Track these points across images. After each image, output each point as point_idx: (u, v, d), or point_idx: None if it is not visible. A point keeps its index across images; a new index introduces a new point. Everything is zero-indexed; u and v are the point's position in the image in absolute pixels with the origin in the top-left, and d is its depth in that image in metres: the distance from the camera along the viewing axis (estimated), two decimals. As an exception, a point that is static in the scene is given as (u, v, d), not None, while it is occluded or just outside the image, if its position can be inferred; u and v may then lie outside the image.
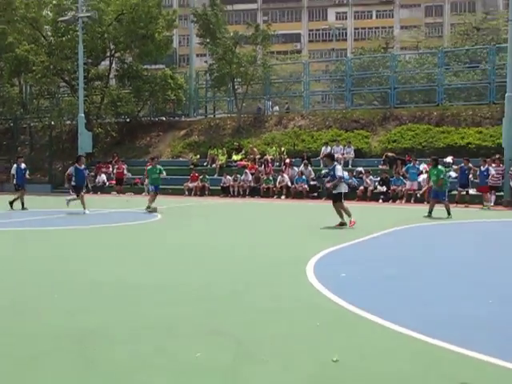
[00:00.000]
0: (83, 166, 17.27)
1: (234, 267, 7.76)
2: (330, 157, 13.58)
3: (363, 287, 6.46)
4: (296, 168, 24.69)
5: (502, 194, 20.07)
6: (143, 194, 26.36)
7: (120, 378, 3.77)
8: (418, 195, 21.18)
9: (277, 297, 5.92)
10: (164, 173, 17.57)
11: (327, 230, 12.21)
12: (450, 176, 19.11)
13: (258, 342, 4.42)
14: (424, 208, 16.41)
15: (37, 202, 19.94)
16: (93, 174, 28.10)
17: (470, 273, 7.45)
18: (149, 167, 18.19)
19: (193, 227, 13.56)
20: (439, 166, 15.96)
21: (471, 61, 32.14)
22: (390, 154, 24.18)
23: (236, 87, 31.79)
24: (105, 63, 34.16)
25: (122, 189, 27.39)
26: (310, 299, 5.83)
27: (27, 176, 18.73)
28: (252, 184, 25.14)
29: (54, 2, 30.76)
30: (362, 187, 22.46)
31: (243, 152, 28.05)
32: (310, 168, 24.39)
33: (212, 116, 34.66)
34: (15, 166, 18.56)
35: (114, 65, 33.79)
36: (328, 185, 12.69)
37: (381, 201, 21.86)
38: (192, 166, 27.43)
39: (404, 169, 22.69)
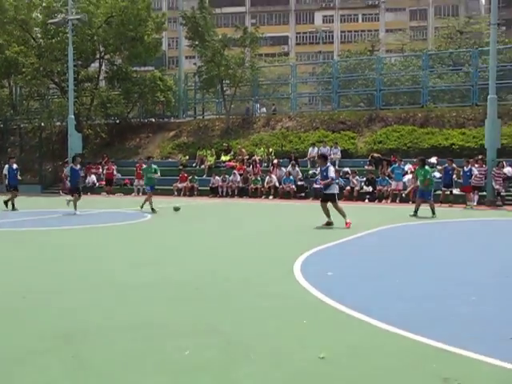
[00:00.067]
0: (78, 167, 17.46)
1: (221, 267, 7.80)
2: (324, 157, 13.67)
3: (349, 285, 6.56)
4: (284, 168, 25.04)
5: (484, 193, 20.49)
6: (133, 194, 26.63)
7: (111, 377, 3.78)
8: (404, 195, 21.60)
9: (265, 295, 6.00)
10: (158, 173, 17.62)
11: (314, 229, 12.34)
12: (434, 176, 19.54)
13: (246, 340, 4.47)
14: (409, 208, 16.71)
15: (27, 203, 20.03)
16: (83, 174, 28.24)
17: (454, 271, 7.58)
18: (144, 167, 18.16)
19: (182, 227, 13.69)
20: (426, 167, 16.30)
21: (455, 63, 32.77)
22: (375, 155, 24.56)
23: (224, 89, 32.11)
24: (94, 65, 34.26)
25: (111, 189, 27.63)
26: (297, 298, 5.90)
27: (19, 177, 18.85)
28: (240, 184, 25.46)
29: (44, 4, 30.81)
30: (348, 187, 22.86)
31: (232, 153, 28.37)
32: (297, 168, 24.78)
33: (201, 117, 34.96)
34: (7, 166, 18.65)
35: (103, 67, 33.99)
36: (322, 183, 12.83)
37: (367, 201, 22.27)
38: (181, 167, 27.70)
39: (389, 169, 23.09)
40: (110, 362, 4.07)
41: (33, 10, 31.05)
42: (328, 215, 12.74)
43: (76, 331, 4.78)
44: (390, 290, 6.36)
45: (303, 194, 23.96)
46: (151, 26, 31.80)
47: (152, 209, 16.75)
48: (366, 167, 24.47)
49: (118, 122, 34.23)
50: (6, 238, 11.47)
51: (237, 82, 30.82)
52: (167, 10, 50.73)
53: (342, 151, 25.86)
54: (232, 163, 27.29)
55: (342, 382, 3.74)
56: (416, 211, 15.50)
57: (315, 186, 23.27)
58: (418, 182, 16.53)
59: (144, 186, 18.29)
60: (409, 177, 22.04)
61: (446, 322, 5.02)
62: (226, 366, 3.96)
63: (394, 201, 21.82)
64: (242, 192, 25.21)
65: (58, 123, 32.84)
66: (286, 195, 23.91)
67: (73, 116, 28.48)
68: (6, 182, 18.40)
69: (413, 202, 19.73)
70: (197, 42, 30.76)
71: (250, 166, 26.18)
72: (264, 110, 34.40)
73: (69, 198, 17.26)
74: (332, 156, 25.54)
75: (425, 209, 15.61)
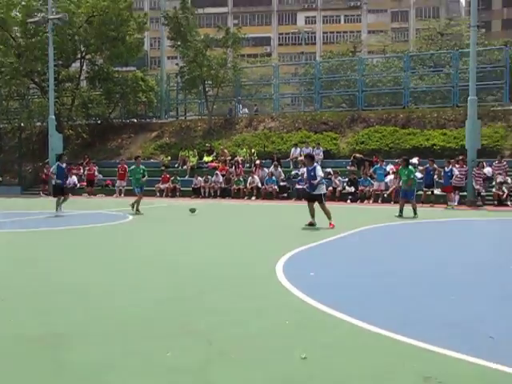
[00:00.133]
0: (64, 165, 17.22)
1: (204, 267, 7.78)
2: (311, 157, 13.67)
3: (332, 286, 6.58)
4: (266, 169, 25.04)
5: (465, 194, 20.69)
6: (114, 195, 26.44)
7: (90, 380, 3.75)
8: (385, 195, 21.77)
9: (247, 296, 6.00)
10: (146, 175, 17.15)
11: (296, 230, 12.35)
12: (416, 176, 19.66)
13: (228, 342, 4.47)
14: (391, 208, 16.85)
15: (6, 204, 19.84)
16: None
17: (435, 270, 7.64)
18: (132, 167, 17.71)
19: (163, 228, 13.60)
20: (410, 166, 16.42)
21: (436, 65, 33.06)
22: (357, 156, 24.67)
23: (207, 89, 32.05)
24: (75, 65, 33.95)
25: (93, 190, 27.39)
26: (279, 298, 5.90)
27: (-1, 178, 18.66)
28: (223, 185, 25.41)
29: (23, 3, 30.51)
30: (330, 188, 22.87)
31: (214, 153, 28.30)
32: (279, 169, 24.80)
33: (183, 118, 34.81)
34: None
35: (84, 67, 33.69)
36: (316, 182, 12.77)
37: (349, 201, 22.34)
38: (163, 168, 27.56)
39: (371, 170, 23.21)
40: (89, 364, 4.02)
41: (12, 9, 30.59)
42: (313, 215, 12.78)
43: (54, 334, 4.72)
44: (372, 290, 6.38)
45: (286, 195, 23.99)
46: (133, 26, 31.65)
47: (137, 210, 16.57)
48: (348, 168, 24.55)
49: (99, 122, 33.98)
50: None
51: (219, 82, 30.79)
52: (149, 10, 50.55)
53: (324, 152, 25.92)
54: (214, 164, 27.23)
55: (324, 382, 3.73)
56: (401, 211, 15.59)
57: (298, 186, 23.33)
58: (401, 182, 16.62)
59: (134, 188, 17.49)
60: (391, 177, 22.19)
61: (427, 322, 5.05)
62: (207, 367, 3.94)
63: (376, 201, 21.95)
64: (225, 193, 25.15)
65: (39, 123, 32.48)
66: (269, 196, 23.92)
67: (53, 116, 28.19)
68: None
69: (395, 202, 19.93)
70: (179, 43, 30.68)
71: (232, 167, 26.15)
72: (246, 110, 34.39)
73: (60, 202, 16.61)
74: (314, 157, 25.57)
75: (407, 209, 15.69)
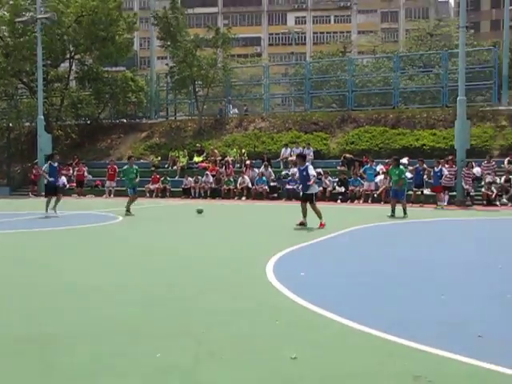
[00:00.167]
0: (56, 164, 17.06)
1: (194, 268, 7.79)
2: (302, 157, 13.68)
3: (322, 286, 6.58)
4: (256, 169, 25.02)
5: (454, 193, 20.77)
6: (104, 196, 26.34)
7: (79, 381, 3.73)
8: (375, 195, 21.82)
9: (237, 297, 6.00)
10: (138, 175, 16.99)
11: (287, 230, 12.35)
12: (406, 176, 19.73)
13: (218, 342, 4.46)
14: (381, 208, 16.90)
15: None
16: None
17: (424, 270, 7.67)
18: (125, 167, 17.44)
19: (153, 229, 13.57)
20: (401, 166, 16.46)
21: (425, 65, 33.21)
22: (348, 156, 24.71)
23: (197, 90, 31.97)
24: (64, 65, 33.81)
25: (82, 191, 27.25)
26: (269, 299, 5.91)
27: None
28: (213, 185, 25.36)
29: (11, 2, 30.29)
30: (320, 188, 22.83)
31: (204, 154, 28.25)
32: (270, 169, 24.79)
33: (173, 118, 34.72)
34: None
35: (73, 67, 33.51)
36: (311, 182, 12.74)
37: (339, 201, 22.36)
38: (153, 168, 27.46)
39: (362, 170, 23.27)
40: (78, 365, 4.00)
41: (-1, 8, 30.49)
42: (305, 215, 12.79)
43: (41, 335, 4.68)
44: (362, 290, 6.40)
45: (276, 195, 23.98)
46: (122, 26, 31.54)
47: (127, 210, 16.42)
48: (339, 168, 24.57)
49: (88, 122, 33.82)
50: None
51: (209, 82, 30.73)
52: (139, 10, 50.43)
53: (314, 152, 25.94)
54: (204, 164, 27.17)
55: (314, 381, 3.73)
56: (393, 211, 15.63)
57: (288, 186, 23.34)
58: (391, 182, 16.65)
59: (127, 188, 17.26)
60: (381, 177, 22.24)
61: (417, 321, 5.06)
62: (197, 368, 3.94)
63: (366, 201, 21.99)
64: (215, 193, 25.10)
65: (27, 124, 32.33)
66: (259, 196, 23.90)
67: (42, 116, 28.05)
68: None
69: (385, 202, 20.01)
70: (169, 43, 30.60)
71: (222, 167, 26.11)
72: (236, 110, 34.36)
73: (52, 206, 16.25)
74: (305, 157, 25.60)
75: (399, 209, 15.72)
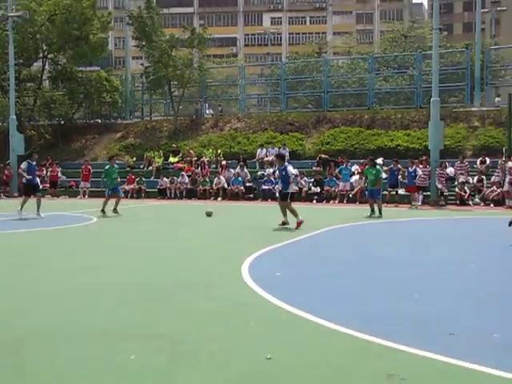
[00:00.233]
0: (34, 163, 16.77)
1: (169, 269, 7.76)
2: (281, 157, 13.66)
3: (298, 286, 6.60)
4: (232, 170, 24.98)
5: (428, 193, 20.98)
6: (78, 197, 26.06)
7: None
8: (351, 195, 21.93)
9: (212, 297, 5.97)
10: (118, 177, 16.84)
11: (262, 230, 12.35)
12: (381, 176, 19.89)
13: (193, 343, 4.43)
14: (356, 208, 16.99)
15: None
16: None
17: (398, 270, 7.75)
18: (107, 167, 17.06)
19: (128, 229, 13.46)
20: (377, 166, 16.57)
21: (399, 66, 33.53)
22: (323, 156, 24.77)
23: (172, 90, 31.80)
24: (37, 64, 33.33)
25: (56, 192, 26.89)
26: (244, 299, 5.90)
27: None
28: (189, 186, 25.26)
29: (-18, -1, 29.87)
30: (296, 188, 22.95)
31: (180, 154, 28.12)
32: (246, 170, 24.77)
33: (148, 118, 34.50)
34: None
35: (47, 66, 33.09)
36: (290, 180, 12.73)
37: (315, 201, 22.44)
38: (128, 169, 27.21)
39: (337, 170, 23.37)
40: (51, 369, 3.95)
41: (-30, 6, 29.93)
42: (285, 214, 12.79)
43: (14, 338, 4.62)
44: (337, 290, 6.43)
45: (252, 195, 23.97)
46: (97, 25, 31.23)
47: (102, 211, 16.11)
48: (314, 168, 24.63)
49: (62, 122, 33.35)
50: None
51: (185, 82, 30.60)
52: (113, 9, 49.96)
53: (290, 152, 25.95)
54: (180, 165, 27.06)
55: (290, 382, 3.73)
56: (372, 211, 15.73)
57: (264, 187, 23.37)
58: (367, 182, 16.72)
59: (107, 189, 16.98)
60: (356, 177, 22.37)
61: (391, 320, 5.10)
62: (171, 369, 3.94)
63: (341, 201, 22.09)
64: (191, 193, 25.01)
65: (-1, 124, 31.78)
66: (235, 196, 23.87)
67: (14, 116, 27.62)
68: None
69: (360, 203, 20.15)
70: (144, 43, 30.36)
71: (198, 168, 26.03)
72: (211, 111, 34.27)
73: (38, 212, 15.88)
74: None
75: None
